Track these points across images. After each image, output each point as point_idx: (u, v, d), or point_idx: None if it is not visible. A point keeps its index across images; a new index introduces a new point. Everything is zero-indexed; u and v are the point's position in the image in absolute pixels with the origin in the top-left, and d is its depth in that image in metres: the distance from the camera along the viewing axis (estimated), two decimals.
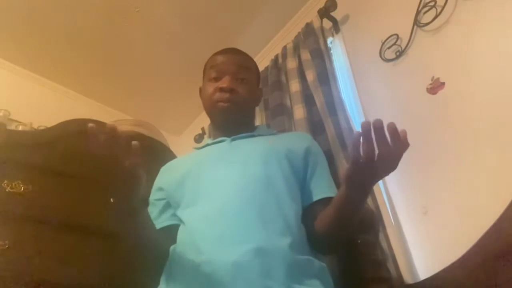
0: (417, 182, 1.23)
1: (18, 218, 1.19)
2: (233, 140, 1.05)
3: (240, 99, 1.05)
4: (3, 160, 1.25)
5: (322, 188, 0.98)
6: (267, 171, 0.92)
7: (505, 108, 1.06)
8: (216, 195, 0.89)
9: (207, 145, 1.11)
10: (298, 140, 1.06)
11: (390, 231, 1.18)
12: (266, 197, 0.87)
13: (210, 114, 1.11)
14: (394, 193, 1.28)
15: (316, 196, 0.97)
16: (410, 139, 1.38)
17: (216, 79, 1.07)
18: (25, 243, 1.16)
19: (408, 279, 1.11)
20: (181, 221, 0.93)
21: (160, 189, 1.04)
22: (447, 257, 1.02)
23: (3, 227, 1.15)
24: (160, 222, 0.98)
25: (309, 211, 0.95)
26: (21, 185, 1.22)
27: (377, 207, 1.22)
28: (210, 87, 1.07)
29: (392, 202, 1.27)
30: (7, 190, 1.19)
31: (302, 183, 0.99)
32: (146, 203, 1.00)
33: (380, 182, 1.29)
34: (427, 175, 1.20)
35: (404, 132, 0.69)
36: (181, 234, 0.91)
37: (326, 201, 0.94)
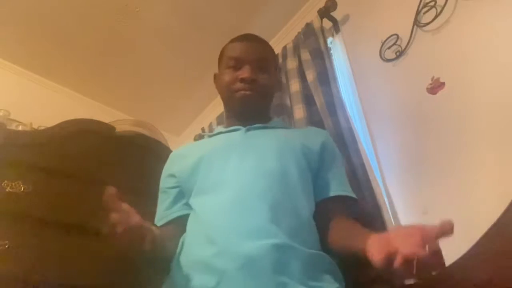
0: (417, 182, 1.23)
1: (18, 218, 1.19)
2: (248, 130, 1.03)
3: (261, 88, 1.04)
4: (3, 160, 1.25)
5: (337, 185, 0.97)
6: (282, 165, 0.91)
7: (505, 108, 1.06)
8: (231, 186, 0.87)
9: (220, 132, 1.09)
10: (313, 136, 1.05)
11: None
12: (281, 191, 0.86)
13: (227, 102, 1.09)
14: (394, 193, 1.28)
15: (332, 193, 0.95)
16: (410, 139, 1.38)
17: (235, 67, 1.05)
18: (25, 243, 1.16)
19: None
20: (192, 209, 0.92)
21: (172, 175, 1.01)
22: (447, 257, 1.02)
23: (3, 227, 1.15)
24: (174, 211, 0.97)
25: (322, 207, 0.93)
26: (21, 185, 1.22)
27: (377, 207, 1.22)
28: (229, 76, 1.05)
29: (392, 202, 1.27)
30: (7, 190, 1.19)
31: (316, 178, 0.97)
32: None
33: (380, 182, 1.29)
34: (427, 175, 1.20)
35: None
36: (191, 223, 0.89)
37: (340, 198, 0.94)
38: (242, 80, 1.02)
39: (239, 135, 1.02)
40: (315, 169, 0.97)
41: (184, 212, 0.95)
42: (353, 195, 0.99)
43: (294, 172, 0.91)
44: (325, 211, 0.93)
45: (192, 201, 0.93)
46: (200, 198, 0.91)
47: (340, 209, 0.95)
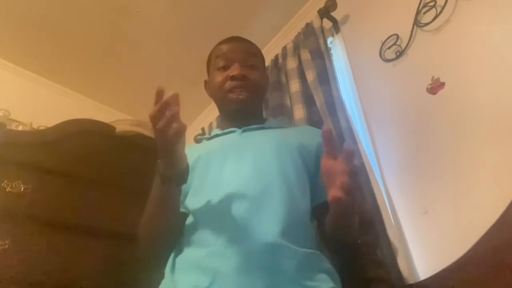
0: (417, 182, 1.23)
1: (18, 218, 1.19)
2: (244, 131, 1.03)
3: (252, 85, 1.03)
4: (3, 160, 1.25)
5: None
6: (280, 165, 0.90)
7: (505, 108, 1.06)
8: (227, 187, 0.86)
9: (216, 135, 1.09)
10: (310, 135, 1.05)
11: (390, 231, 1.18)
12: (279, 191, 0.85)
13: (221, 104, 1.09)
14: (394, 193, 1.28)
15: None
16: (410, 139, 1.38)
17: (225, 67, 1.05)
18: (25, 243, 1.16)
19: (408, 279, 1.11)
20: (188, 210, 0.92)
21: None
22: (447, 257, 1.02)
23: (3, 227, 1.15)
24: None
25: (322, 210, 0.92)
26: (21, 185, 1.22)
27: (377, 207, 1.22)
28: (219, 76, 1.05)
29: (392, 202, 1.27)
30: (7, 190, 1.19)
31: (314, 180, 0.97)
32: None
33: (380, 182, 1.29)
34: (427, 175, 1.20)
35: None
36: (187, 224, 0.89)
37: None
38: (233, 77, 1.01)
39: (236, 136, 1.02)
40: (313, 171, 0.97)
41: (182, 209, 0.95)
42: None
43: (292, 171, 0.91)
44: (326, 213, 0.93)
45: (188, 201, 0.92)
46: (196, 198, 0.91)
47: None
